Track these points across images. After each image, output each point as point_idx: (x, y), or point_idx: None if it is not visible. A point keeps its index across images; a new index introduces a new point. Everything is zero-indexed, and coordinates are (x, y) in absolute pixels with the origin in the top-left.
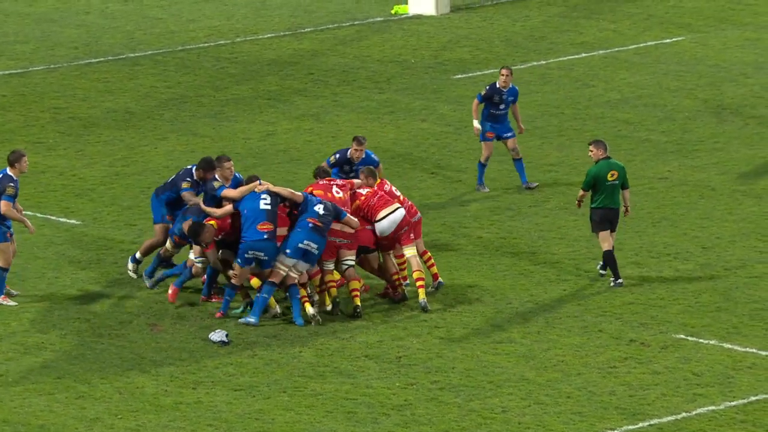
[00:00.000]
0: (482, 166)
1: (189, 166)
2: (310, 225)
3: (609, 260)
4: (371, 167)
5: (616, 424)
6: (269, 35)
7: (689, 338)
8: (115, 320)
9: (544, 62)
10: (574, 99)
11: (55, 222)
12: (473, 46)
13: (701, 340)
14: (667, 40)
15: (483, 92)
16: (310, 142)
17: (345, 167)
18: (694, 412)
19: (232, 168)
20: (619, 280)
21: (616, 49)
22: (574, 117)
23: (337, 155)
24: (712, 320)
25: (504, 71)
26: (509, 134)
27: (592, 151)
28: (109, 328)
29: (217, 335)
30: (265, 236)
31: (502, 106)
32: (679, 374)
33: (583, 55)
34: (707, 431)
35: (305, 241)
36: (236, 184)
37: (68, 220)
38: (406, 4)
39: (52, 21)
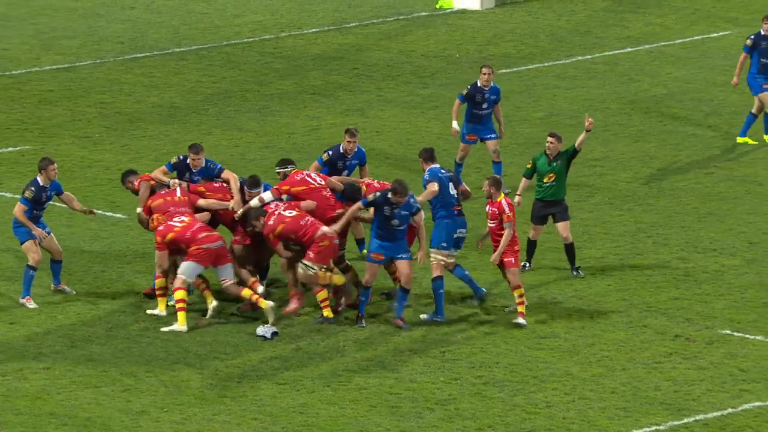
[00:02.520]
0: (458, 165)
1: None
2: (455, 212)
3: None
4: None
5: (662, 419)
6: (314, 30)
7: (735, 334)
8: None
9: (589, 57)
10: (620, 94)
11: (101, 216)
12: (518, 41)
13: (747, 336)
14: (714, 35)
15: (464, 92)
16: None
17: (338, 164)
18: (739, 408)
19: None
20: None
21: (662, 43)
22: (619, 112)
23: (330, 152)
24: (758, 316)
25: (485, 69)
26: (492, 136)
27: (552, 143)
28: (154, 322)
29: (263, 330)
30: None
31: (484, 105)
32: (725, 370)
33: (629, 49)
34: (753, 427)
35: (459, 230)
36: (204, 171)
37: (114, 215)
38: None
39: (98, 16)
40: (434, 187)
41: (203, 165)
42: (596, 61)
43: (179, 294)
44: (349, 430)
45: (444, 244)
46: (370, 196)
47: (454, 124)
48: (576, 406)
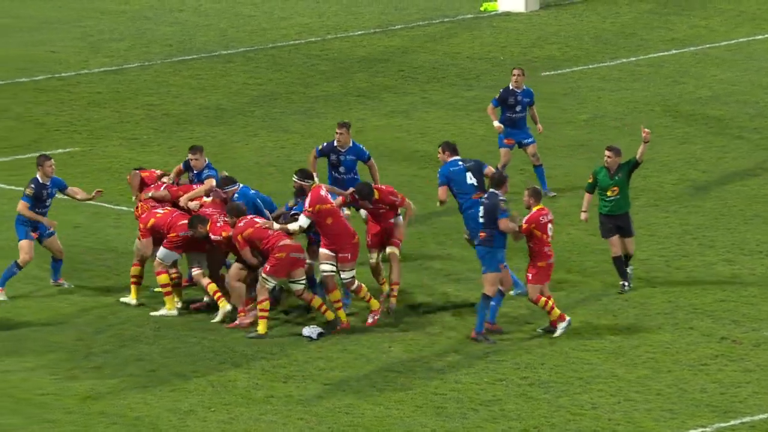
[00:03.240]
0: (501, 169)
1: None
2: (474, 201)
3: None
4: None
5: (708, 421)
6: (359, 32)
7: None
8: (208, 314)
9: (634, 59)
10: (664, 96)
11: None
12: (562, 43)
13: None
14: (759, 36)
15: (497, 96)
16: (399, 138)
17: (332, 156)
18: None
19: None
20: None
21: (707, 45)
22: (664, 114)
23: (325, 144)
24: None
25: (515, 71)
26: (529, 140)
27: (610, 157)
28: (201, 322)
29: (309, 330)
30: None
31: (518, 108)
32: None
33: (674, 51)
34: None
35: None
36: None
37: None
38: (496, 1)
39: (146, 19)
40: (441, 195)
41: (204, 165)
42: (641, 64)
43: (162, 278)
44: (394, 430)
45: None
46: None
47: (495, 123)
48: (622, 408)
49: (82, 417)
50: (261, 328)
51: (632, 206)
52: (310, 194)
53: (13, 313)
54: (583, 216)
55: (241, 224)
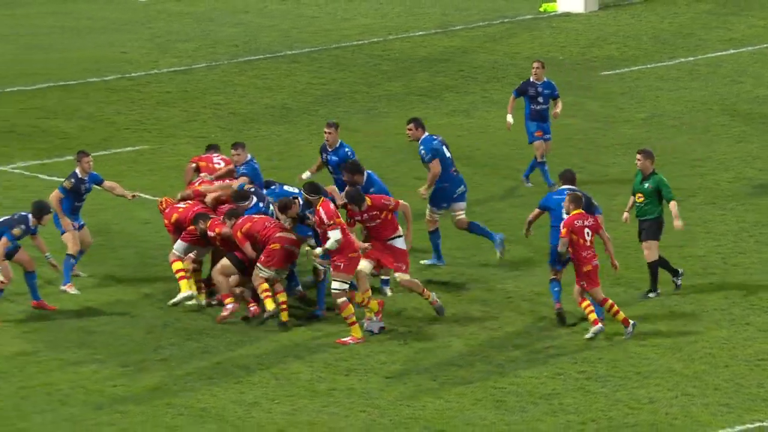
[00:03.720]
0: (540, 164)
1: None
2: (454, 174)
3: (655, 271)
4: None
5: (765, 416)
6: (421, 33)
7: None
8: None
9: (692, 59)
10: (722, 95)
11: None
12: (621, 43)
13: None
14: None
15: (517, 87)
16: (460, 137)
17: (322, 155)
18: None
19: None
20: (658, 292)
21: (766, 45)
22: (721, 113)
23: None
24: None
25: (535, 64)
26: (547, 137)
27: (639, 161)
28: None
29: (370, 324)
30: None
31: (540, 100)
32: None
33: (732, 51)
34: None
35: (457, 189)
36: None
37: None
38: (555, 1)
39: (213, 20)
40: (437, 167)
41: (245, 161)
42: (699, 63)
43: (176, 265)
44: (454, 423)
45: (444, 205)
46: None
47: (509, 118)
48: (679, 402)
49: (150, 408)
50: (269, 305)
51: (689, 203)
52: (323, 209)
53: (83, 307)
54: (624, 216)
55: (239, 221)
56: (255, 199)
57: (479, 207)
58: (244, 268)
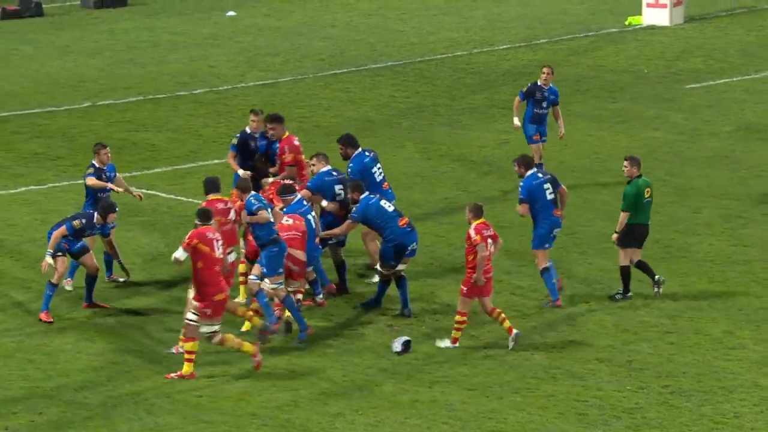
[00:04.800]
0: (538, 165)
1: None
2: (406, 228)
3: (626, 275)
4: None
5: None
6: (505, 46)
7: None
8: (354, 318)
9: None
10: None
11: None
12: (707, 56)
13: None
14: None
15: (524, 89)
16: (543, 149)
17: (251, 144)
18: None
19: None
20: (629, 294)
21: None
22: None
23: (238, 135)
24: None
25: (545, 69)
26: (543, 139)
27: (626, 167)
28: (347, 327)
29: (396, 343)
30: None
31: (544, 104)
32: None
33: None
34: None
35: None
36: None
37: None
38: (641, 15)
39: (300, 34)
40: (351, 224)
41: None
42: None
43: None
44: None
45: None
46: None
47: (515, 120)
48: (765, 417)
49: (234, 418)
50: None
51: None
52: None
53: (169, 316)
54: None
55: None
56: (299, 196)
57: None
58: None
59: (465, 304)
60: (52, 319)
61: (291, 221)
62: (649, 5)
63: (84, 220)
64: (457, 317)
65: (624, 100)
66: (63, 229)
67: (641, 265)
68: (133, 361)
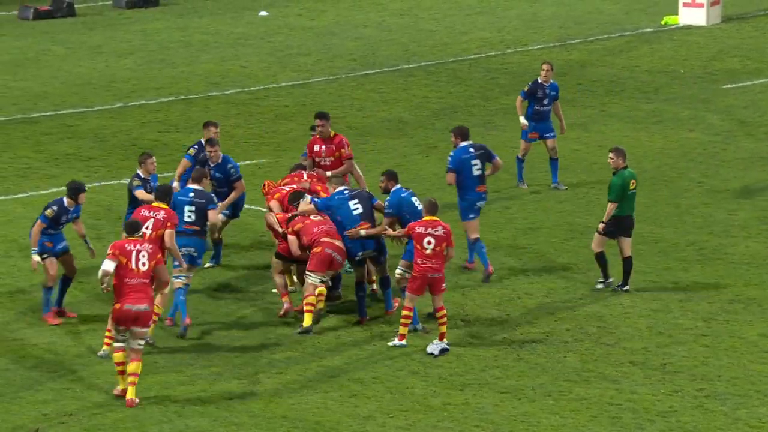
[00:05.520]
0: (520, 161)
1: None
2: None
3: (602, 262)
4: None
5: None
6: (539, 46)
7: None
8: (387, 322)
9: None
10: None
11: None
12: (744, 56)
13: None
14: None
15: (526, 89)
16: (577, 150)
17: (207, 150)
18: None
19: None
20: (609, 280)
21: None
22: None
23: (196, 146)
24: None
25: (545, 66)
26: (551, 134)
27: (612, 159)
28: (371, 329)
29: (432, 347)
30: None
31: (546, 101)
32: None
33: None
34: None
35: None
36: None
37: None
38: (677, 15)
39: (332, 34)
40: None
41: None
42: None
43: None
44: None
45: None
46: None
47: (522, 119)
48: None
49: (264, 420)
50: (306, 321)
51: None
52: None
53: (199, 319)
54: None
55: (295, 219)
56: (310, 198)
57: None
58: (284, 258)
59: (410, 300)
60: (59, 321)
61: (319, 216)
62: (685, 5)
63: (55, 207)
64: (403, 312)
65: (659, 100)
66: (39, 223)
67: (627, 262)
68: (163, 362)
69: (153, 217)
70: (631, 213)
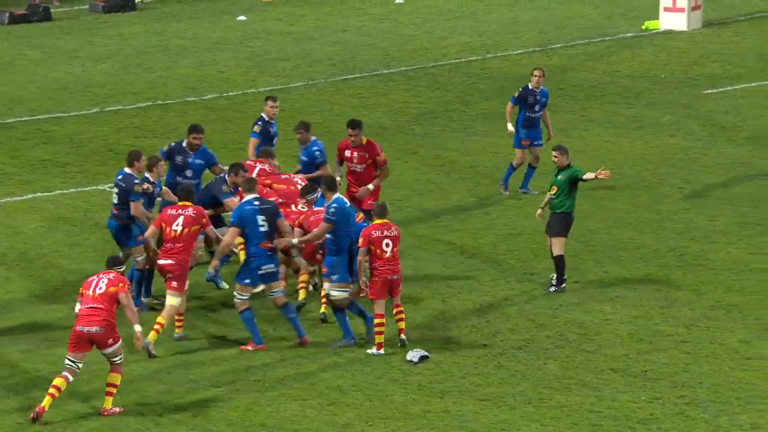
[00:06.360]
0: (512, 169)
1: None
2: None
3: (560, 265)
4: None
5: None
6: (519, 51)
7: None
8: (362, 327)
9: None
10: None
11: None
12: (725, 61)
13: None
14: None
15: (516, 94)
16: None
17: (177, 158)
18: None
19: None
20: (563, 285)
21: None
22: None
23: (259, 122)
24: None
25: (536, 72)
26: (539, 142)
27: (556, 157)
28: (355, 336)
29: (411, 354)
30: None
31: (537, 107)
32: None
33: None
34: None
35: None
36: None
37: None
38: (658, 20)
39: (311, 39)
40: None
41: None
42: None
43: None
44: None
45: (247, 281)
46: None
47: (509, 126)
48: None
49: (242, 429)
50: (301, 295)
51: None
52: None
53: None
54: (537, 213)
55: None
56: (320, 192)
57: (576, 226)
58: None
59: (378, 306)
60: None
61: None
62: (666, 9)
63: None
64: (376, 320)
65: (640, 105)
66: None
67: (559, 261)
68: (140, 371)
69: (183, 215)
70: (572, 210)
